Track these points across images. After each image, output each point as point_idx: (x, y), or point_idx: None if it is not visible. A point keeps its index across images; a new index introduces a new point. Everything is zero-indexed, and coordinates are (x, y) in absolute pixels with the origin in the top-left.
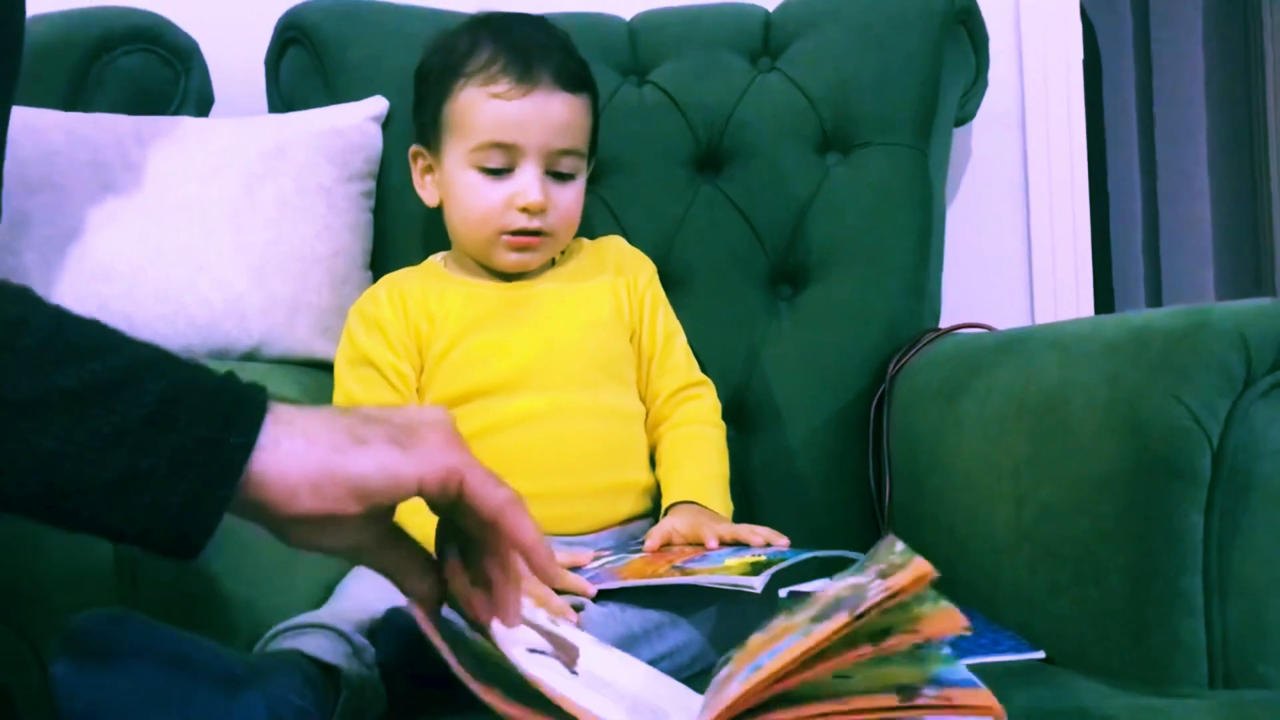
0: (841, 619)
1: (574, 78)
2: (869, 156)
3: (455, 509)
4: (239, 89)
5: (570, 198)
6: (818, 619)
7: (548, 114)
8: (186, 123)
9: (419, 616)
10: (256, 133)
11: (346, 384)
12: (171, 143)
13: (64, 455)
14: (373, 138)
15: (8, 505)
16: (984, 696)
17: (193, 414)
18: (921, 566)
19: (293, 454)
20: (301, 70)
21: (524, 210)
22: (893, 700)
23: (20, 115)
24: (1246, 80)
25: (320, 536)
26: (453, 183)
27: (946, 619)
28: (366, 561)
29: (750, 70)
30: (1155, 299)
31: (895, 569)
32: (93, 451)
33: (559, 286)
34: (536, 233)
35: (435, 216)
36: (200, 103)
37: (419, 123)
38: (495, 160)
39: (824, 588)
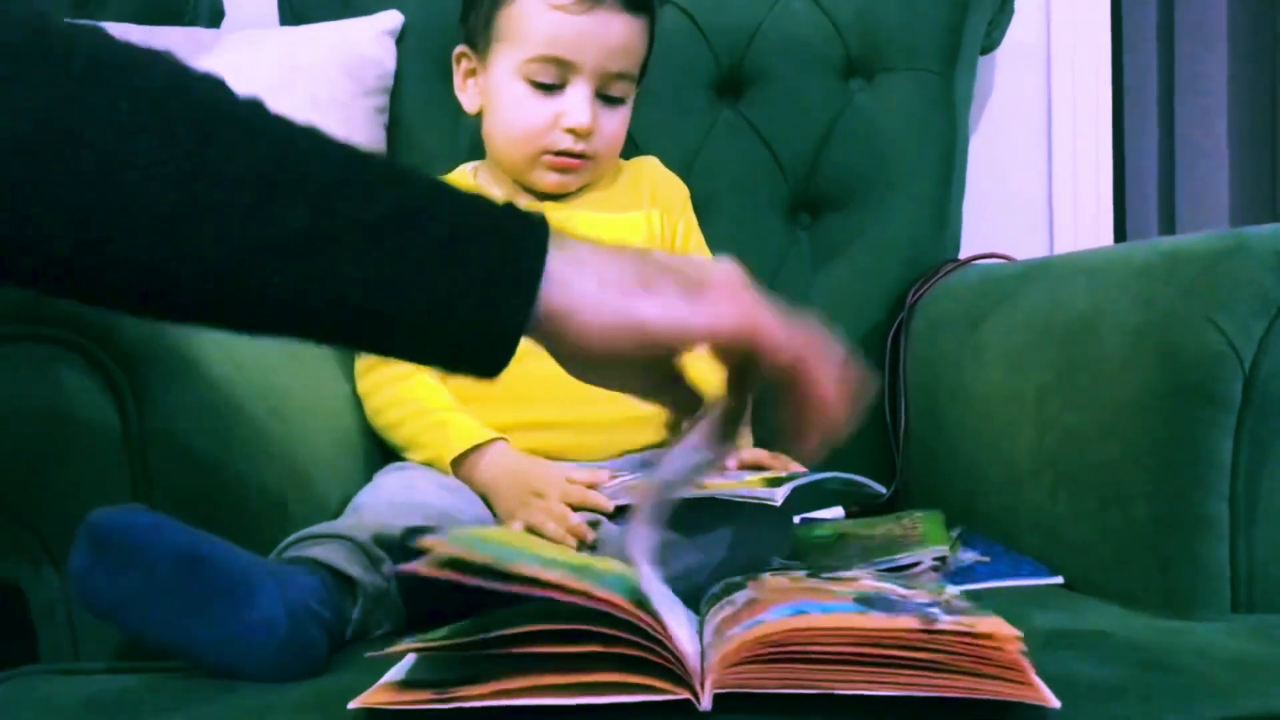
0: (913, 623)
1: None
2: (894, 83)
3: (750, 359)
4: (251, 1)
5: (617, 123)
6: (865, 601)
7: (608, 33)
8: (200, 34)
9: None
10: (271, 46)
11: None
12: (184, 54)
13: (373, 283)
14: (387, 52)
15: (329, 334)
16: (1001, 625)
17: (484, 240)
18: (1008, 631)
19: (585, 294)
20: None
21: (570, 131)
22: (915, 623)
23: None
24: (1271, 15)
25: (602, 375)
26: (498, 92)
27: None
28: (642, 396)
29: None
30: (1169, 232)
31: (959, 609)
32: (400, 279)
33: (594, 215)
34: (580, 155)
35: (450, 134)
36: (211, 15)
37: (468, 24)
38: (547, 75)
39: (838, 517)
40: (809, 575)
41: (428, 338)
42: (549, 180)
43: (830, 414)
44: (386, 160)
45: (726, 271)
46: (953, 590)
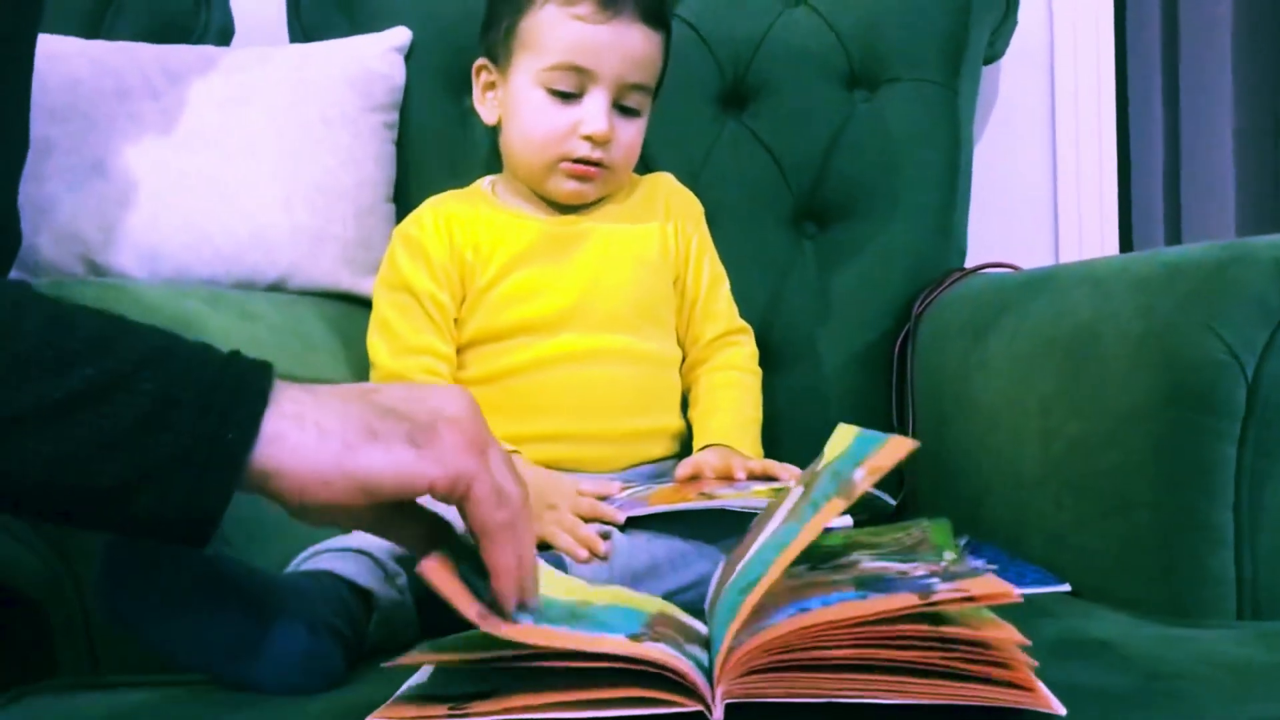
0: (911, 599)
1: (655, 13)
2: (897, 93)
3: (459, 507)
4: (259, 20)
5: (633, 134)
6: (864, 585)
7: (626, 44)
8: (211, 52)
9: (434, 576)
10: (281, 63)
11: (382, 310)
12: (196, 72)
13: (61, 462)
14: (395, 68)
15: (14, 509)
16: (996, 583)
17: (188, 412)
18: (1002, 588)
19: (301, 448)
20: (323, 0)
21: (588, 139)
22: (914, 599)
23: (44, 43)
24: (1276, 21)
25: (327, 517)
26: (518, 101)
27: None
28: (373, 531)
29: (777, 4)
30: (1175, 241)
31: (957, 574)
32: (90, 458)
33: (609, 227)
34: (597, 164)
35: (459, 148)
36: (221, 33)
37: (487, 37)
38: (566, 83)
39: (846, 526)
40: (810, 569)
41: (123, 515)
42: (567, 188)
43: (499, 586)
44: (101, 323)
45: (458, 413)
46: (951, 555)
